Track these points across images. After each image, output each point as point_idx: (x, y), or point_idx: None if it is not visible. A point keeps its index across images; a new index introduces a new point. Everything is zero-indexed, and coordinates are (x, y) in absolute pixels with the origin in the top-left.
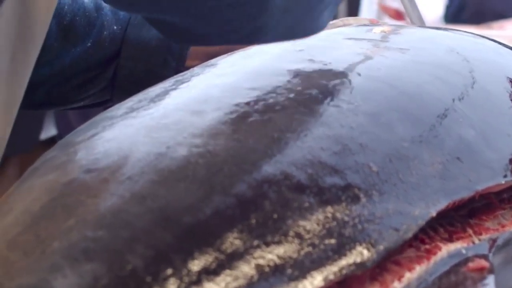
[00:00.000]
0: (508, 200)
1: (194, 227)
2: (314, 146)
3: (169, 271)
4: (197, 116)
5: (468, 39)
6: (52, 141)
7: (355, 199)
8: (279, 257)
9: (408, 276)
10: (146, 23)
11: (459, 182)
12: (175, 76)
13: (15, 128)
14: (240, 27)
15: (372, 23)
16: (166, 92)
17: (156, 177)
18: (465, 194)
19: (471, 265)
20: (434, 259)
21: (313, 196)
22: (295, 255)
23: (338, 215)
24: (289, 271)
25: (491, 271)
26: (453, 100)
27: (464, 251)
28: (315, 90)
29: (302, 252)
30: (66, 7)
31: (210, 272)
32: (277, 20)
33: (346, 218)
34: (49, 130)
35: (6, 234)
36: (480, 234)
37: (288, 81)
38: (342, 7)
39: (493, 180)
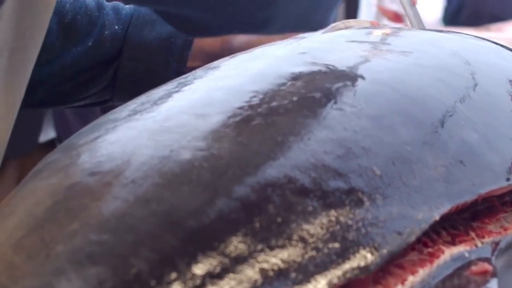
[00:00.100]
0: (510, 203)
1: (198, 231)
2: (317, 149)
3: (174, 275)
4: (200, 119)
5: (470, 42)
6: (51, 144)
7: (359, 202)
8: (283, 261)
9: (412, 279)
10: (148, 23)
11: (462, 185)
12: (177, 78)
13: (14, 131)
14: (250, 17)
15: (374, 26)
16: (169, 95)
17: (160, 180)
18: (469, 198)
19: (474, 268)
20: (437, 262)
21: (317, 199)
22: (299, 259)
23: (341, 218)
24: (293, 275)
25: (494, 274)
26: (456, 103)
27: (467, 254)
28: (319, 93)
29: (306, 256)
30: (67, 5)
31: (214, 276)
32: (285, 10)
33: (349, 222)
34: (48, 133)
35: (10, 237)
36: (483, 237)
37: (292, 84)
38: (341, 9)
39: (496, 184)
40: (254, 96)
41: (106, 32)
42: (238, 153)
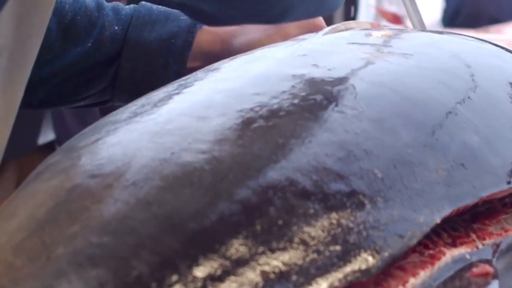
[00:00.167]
0: (510, 204)
1: (199, 233)
2: (319, 152)
3: (175, 277)
4: (201, 122)
5: (470, 44)
6: (50, 146)
7: (360, 205)
8: (284, 263)
9: (413, 281)
10: (148, 24)
11: (463, 188)
12: (178, 80)
13: (13, 132)
14: (269, 8)
15: (374, 27)
16: (169, 97)
17: (161, 183)
18: (470, 201)
19: (475, 270)
20: (438, 264)
21: (318, 202)
22: (300, 262)
23: (343, 221)
24: (294, 277)
25: (495, 276)
26: (457, 105)
27: (468, 256)
28: (320, 96)
29: (307, 259)
30: (67, 6)
31: (216, 279)
32: (301, 3)
33: (351, 225)
34: (47, 135)
35: (10, 239)
36: (484, 239)
37: (292, 87)
38: (339, 11)
39: (498, 187)
40: (255, 99)
41: (106, 33)
42: (239, 155)
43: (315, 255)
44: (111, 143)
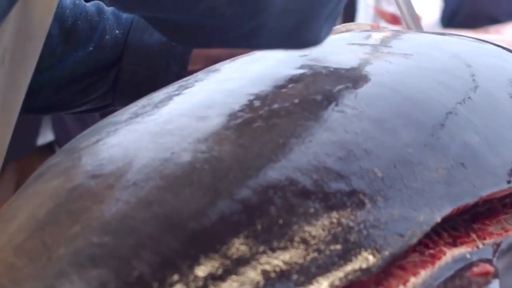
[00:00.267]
0: (511, 204)
1: (200, 233)
2: (319, 151)
3: (176, 277)
4: (201, 122)
5: (470, 44)
6: (49, 147)
7: (360, 204)
8: (285, 262)
9: (413, 281)
10: (148, 27)
11: (463, 188)
12: (178, 81)
13: (12, 134)
14: (239, 25)
15: (374, 29)
16: (170, 98)
17: (162, 182)
18: (470, 200)
19: (475, 269)
20: (439, 263)
21: (319, 201)
22: (301, 261)
23: (343, 220)
24: (295, 276)
25: (495, 275)
26: (457, 105)
27: (468, 256)
28: (320, 96)
29: (308, 258)
30: (68, 11)
31: (216, 278)
32: (276, 20)
33: (351, 224)
34: (46, 136)
35: (12, 240)
36: (484, 238)
37: (292, 87)
38: None
39: (497, 186)
40: (255, 99)
41: (106, 37)
42: (239, 155)
43: (315, 254)
44: (112, 144)
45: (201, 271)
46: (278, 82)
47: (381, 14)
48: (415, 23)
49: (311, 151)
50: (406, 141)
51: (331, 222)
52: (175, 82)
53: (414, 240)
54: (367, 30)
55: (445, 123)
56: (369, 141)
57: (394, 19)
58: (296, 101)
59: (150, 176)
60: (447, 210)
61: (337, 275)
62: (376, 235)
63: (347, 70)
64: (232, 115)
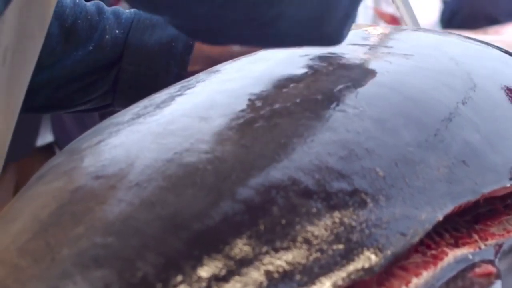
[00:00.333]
0: None
1: (203, 234)
2: (321, 151)
3: (179, 277)
4: (204, 122)
5: (471, 45)
6: (48, 148)
7: (362, 204)
8: (287, 263)
9: (415, 281)
10: (148, 27)
11: (465, 185)
12: (180, 81)
13: (12, 135)
14: (261, 14)
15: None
16: (172, 98)
17: (165, 183)
18: (471, 197)
19: (478, 270)
20: (441, 264)
21: (321, 201)
22: (303, 261)
23: (345, 220)
24: (298, 277)
25: (498, 276)
26: (458, 104)
27: (470, 257)
28: (321, 95)
29: (311, 258)
30: (68, 10)
31: (220, 279)
32: (295, 8)
33: (353, 223)
34: (45, 137)
35: (15, 241)
36: (486, 239)
37: (294, 87)
38: None
39: (499, 184)
40: (257, 99)
41: (106, 37)
42: (242, 155)
43: (318, 254)
44: (114, 145)
45: (205, 271)
46: (279, 82)
47: (380, 15)
48: (414, 24)
49: (313, 150)
50: (407, 140)
51: (334, 222)
52: (177, 83)
53: (416, 239)
54: (368, 30)
55: (446, 122)
56: (371, 141)
57: (393, 20)
58: (298, 100)
59: (153, 177)
60: (449, 208)
61: (340, 275)
62: (378, 234)
63: (348, 70)
64: (234, 116)
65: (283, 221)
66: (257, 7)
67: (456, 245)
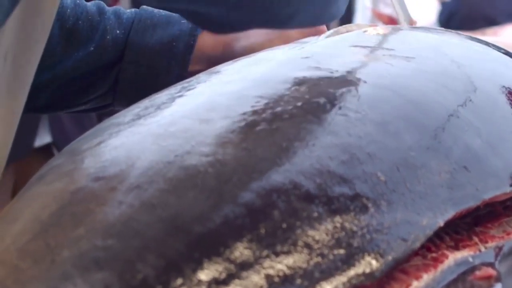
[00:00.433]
0: None
1: (204, 236)
2: (322, 155)
3: (180, 280)
4: (205, 124)
5: (472, 46)
6: (46, 148)
7: (364, 208)
8: (288, 267)
9: (416, 284)
10: (149, 27)
11: (466, 191)
12: (181, 82)
13: None
14: (276, 14)
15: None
16: (172, 99)
17: (165, 185)
18: (473, 203)
19: (478, 273)
20: (441, 267)
21: (322, 205)
22: (304, 265)
23: (346, 225)
24: (298, 281)
25: (498, 279)
26: (459, 108)
27: (470, 259)
28: (323, 98)
29: (312, 262)
30: (68, 10)
31: (220, 282)
32: (307, 4)
33: (354, 228)
34: (43, 137)
35: (15, 242)
36: (486, 242)
37: (295, 89)
38: None
39: (500, 189)
40: (258, 101)
41: (107, 37)
42: (243, 158)
43: (319, 259)
44: (115, 146)
45: (205, 274)
46: (281, 84)
47: (378, 15)
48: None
49: (315, 154)
50: (409, 145)
51: (335, 227)
52: (177, 83)
53: (417, 245)
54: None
55: (447, 126)
56: (372, 145)
57: (391, 21)
58: (299, 104)
59: (154, 179)
60: (450, 214)
61: (341, 279)
62: (379, 239)
63: (349, 72)
64: (235, 118)
65: (284, 225)
66: (275, 7)
67: (456, 247)
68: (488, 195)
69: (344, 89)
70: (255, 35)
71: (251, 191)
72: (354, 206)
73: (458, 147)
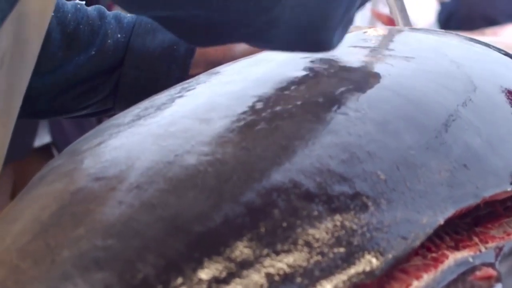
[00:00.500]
0: None
1: (204, 236)
2: (322, 154)
3: (180, 280)
4: (204, 124)
5: (472, 47)
6: (46, 149)
7: (364, 207)
8: (288, 265)
9: (416, 284)
10: (150, 31)
11: (466, 189)
12: (180, 83)
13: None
14: (253, 19)
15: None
16: (172, 100)
17: (165, 185)
18: (473, 201)
19: (478, 273)
20: (442, 267)
21: (322, 204)
22: (304, 264)
23: (346, 223)
24: (298, 280)
25: (498, 279)
26: (459, 108)
27: (471, 260)
28: (322, 98)
29: (312, 261)
30: (69, 15)
31: (220, 281)
32: (289, 14)
33: (354, 227)
34: (43, 138)
35: (15, 242)
36: (486, 242)
37: (295, 89)
38: None
39: (500, 187)
40: (258, 101)
41: (108, 41)
42: (243, 158)
43: (319, 257)
44: (115, 146)
45: (205, 274)
46: (281, 84)
47: (377, 16)
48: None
49: (315, 153)
50: (409, 144)
51: (335, 225)
52: (177, 84)
53: (417, 243)
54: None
55: (447, 125)
56: (372, 144)
57: (390, 21)
58: (299, 103)
59: (154, 179)
60: (450, 212)
61: (341, 278)
62: (380, 238)
63: (349, 72)
64: (235, 118)
65: (284, 224)
66: (249, 12)
67: (456, 248)
68: (488, 193)
69: (343, 89)
70: None
71: (251, 190)
72: (354, 205)
73: (458, 146)
